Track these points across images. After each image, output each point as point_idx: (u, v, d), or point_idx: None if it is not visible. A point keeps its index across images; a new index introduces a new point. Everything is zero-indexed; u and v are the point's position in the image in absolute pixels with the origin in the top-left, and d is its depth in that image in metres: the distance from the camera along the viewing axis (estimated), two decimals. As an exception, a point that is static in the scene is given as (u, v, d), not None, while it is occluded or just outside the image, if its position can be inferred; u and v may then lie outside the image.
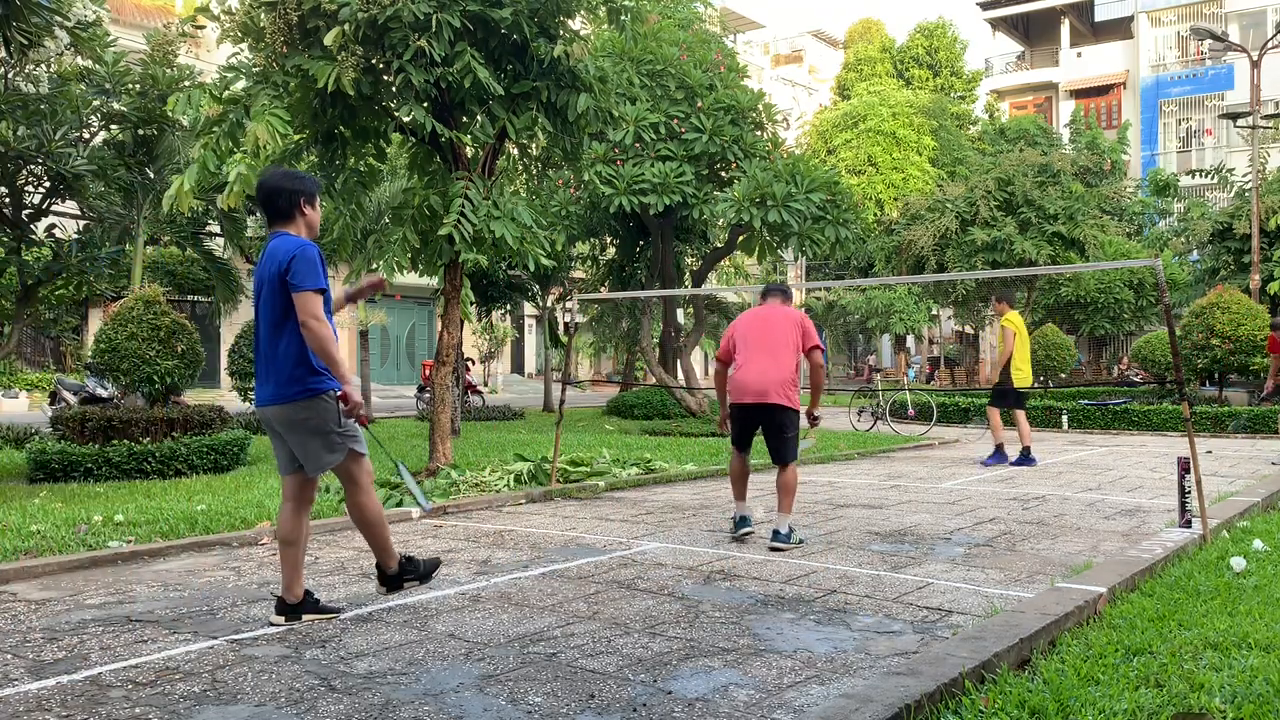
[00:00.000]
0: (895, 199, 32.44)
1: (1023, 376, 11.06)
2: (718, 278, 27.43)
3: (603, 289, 21.35)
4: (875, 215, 32.40)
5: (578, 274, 23.63)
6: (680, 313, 22.05)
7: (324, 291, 4.29)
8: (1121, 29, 42.27)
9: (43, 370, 25.29)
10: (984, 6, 44.85)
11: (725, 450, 12.40)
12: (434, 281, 12.54)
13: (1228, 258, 23.05)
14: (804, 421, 6.62)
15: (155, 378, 10.34)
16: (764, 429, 6.48)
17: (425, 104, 8.47)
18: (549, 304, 22.90)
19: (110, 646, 4.16)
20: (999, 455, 11.41)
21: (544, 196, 16.17)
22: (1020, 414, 11.42)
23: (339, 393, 4.37)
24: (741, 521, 6.55)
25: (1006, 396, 11.29)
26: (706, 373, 43.06)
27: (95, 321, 25.59)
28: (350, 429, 4.45)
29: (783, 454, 6.42)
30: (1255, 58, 20.83)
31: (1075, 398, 19.60)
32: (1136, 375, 25.03)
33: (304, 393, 4.32)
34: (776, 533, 6.26)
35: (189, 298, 27.52)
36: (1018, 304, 23.70)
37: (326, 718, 3.32)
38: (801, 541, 6.40)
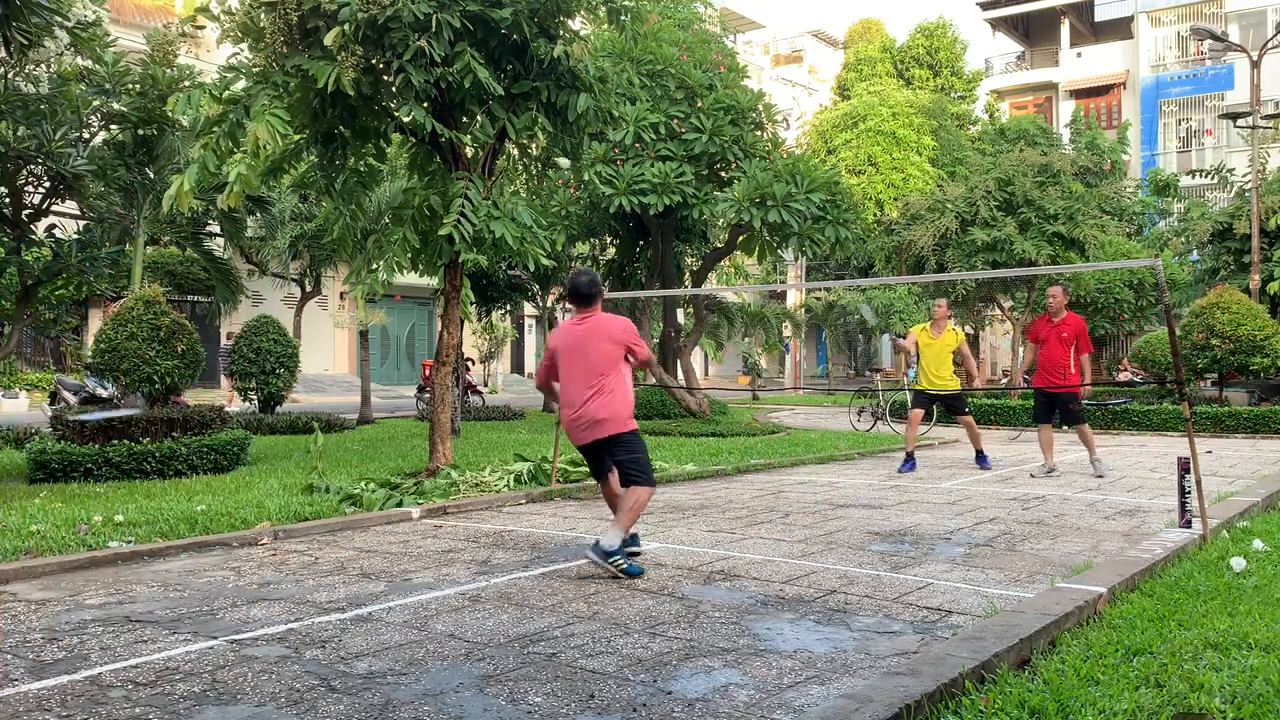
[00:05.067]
0: (895, 199, 32.41)
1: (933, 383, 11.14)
2: (718, 278, 27.40)
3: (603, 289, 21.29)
4: (875, 215, 32.37)
5: (578, 274, 23.61)
6: (680, 313, 22.02)
7: None
8: (1121, 29, 42.25)
9: (43, 370, 25.28)
10: (984, 6, 44.83)
11: (726, 450, 12.41)
12: (434, 281, 12.53)
13: (1228, 258, 23.04)
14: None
15: (155, 378, 10.34)
16: (610, 458, 5.77)
17: (425, 104, 8.47)
18: (549, 304, 22.90)
19: (110, 646, 4.16)
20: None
21: (544, 196, 16.16)
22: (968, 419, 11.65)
23: None
24: (631, 540, 5.82)
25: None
26: (706, 373, 43.09)
27: (95, 321, 25.59)
28: None
29: (636, 471, 5.65)
30: (1255, 58, 20.82)
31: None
32: (1135, 375, 24.99)
33: None
34: (597, 543, 5.46)
35: (189, 298, 27.53)
36: (1019, 304, 23.74)
37: (326, 718, 3.32)
38: (626, 568, 5.39)
